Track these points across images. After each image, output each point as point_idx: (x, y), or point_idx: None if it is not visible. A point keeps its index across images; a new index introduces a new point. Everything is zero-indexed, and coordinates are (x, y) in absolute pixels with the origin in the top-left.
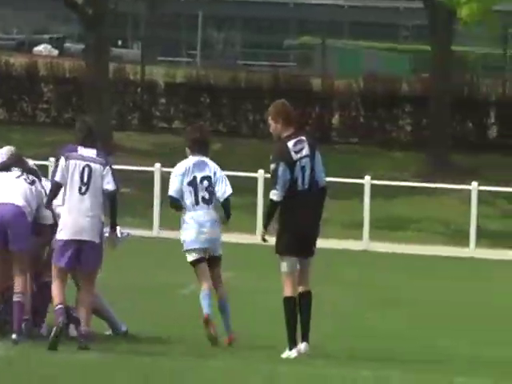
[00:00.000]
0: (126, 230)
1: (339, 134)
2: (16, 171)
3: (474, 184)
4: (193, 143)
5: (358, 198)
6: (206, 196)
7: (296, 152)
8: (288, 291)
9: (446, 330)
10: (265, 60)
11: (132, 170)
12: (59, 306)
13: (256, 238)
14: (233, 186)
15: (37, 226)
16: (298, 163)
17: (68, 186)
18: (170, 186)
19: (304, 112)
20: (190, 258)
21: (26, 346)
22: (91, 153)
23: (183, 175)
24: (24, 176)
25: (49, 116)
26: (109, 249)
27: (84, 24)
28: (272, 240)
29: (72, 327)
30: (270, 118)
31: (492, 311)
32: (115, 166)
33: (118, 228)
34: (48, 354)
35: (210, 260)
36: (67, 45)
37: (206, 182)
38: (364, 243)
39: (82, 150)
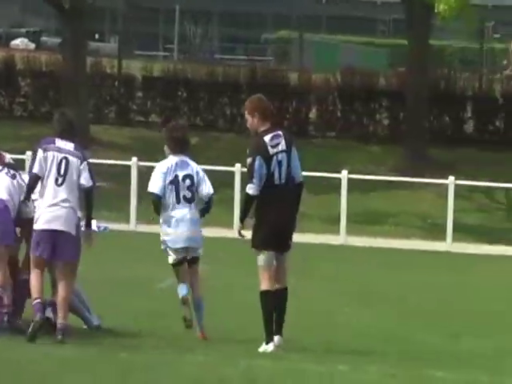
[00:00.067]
0: (104, 224)
1: (316, 128)
2: None
3: (451, 178)
4: (174, 143)
5: (336, 193)
6: (188, 195)
7: (273, 146)
8: (265, 285)
9: (423, 324)
10: (242, 54)
11: (109, 164)
12: (37, 301)
13: (233, 233)
14: (210, 180)
15: (19, 220)
16: (274, 158)
17: (45, 177)
18: (153, 183)
19: (281, 106)
20: (171, 259)
21: (5, 339)
22: (69, 146)
23: (165, 174)
24: (5, 170)
25: (26, 110)
26: (85, 245)
27: (61, 18)
28: (248, 234)
29: (49, 309)
30: (246, 112)
31: (469, 305)
32: (92, 160)
33: (93, 222)
34: (26, 348)
35: (190, 260)
36: (44, 38)
37: (188, 181)
38: (341, 237)
39: (60, 143)
